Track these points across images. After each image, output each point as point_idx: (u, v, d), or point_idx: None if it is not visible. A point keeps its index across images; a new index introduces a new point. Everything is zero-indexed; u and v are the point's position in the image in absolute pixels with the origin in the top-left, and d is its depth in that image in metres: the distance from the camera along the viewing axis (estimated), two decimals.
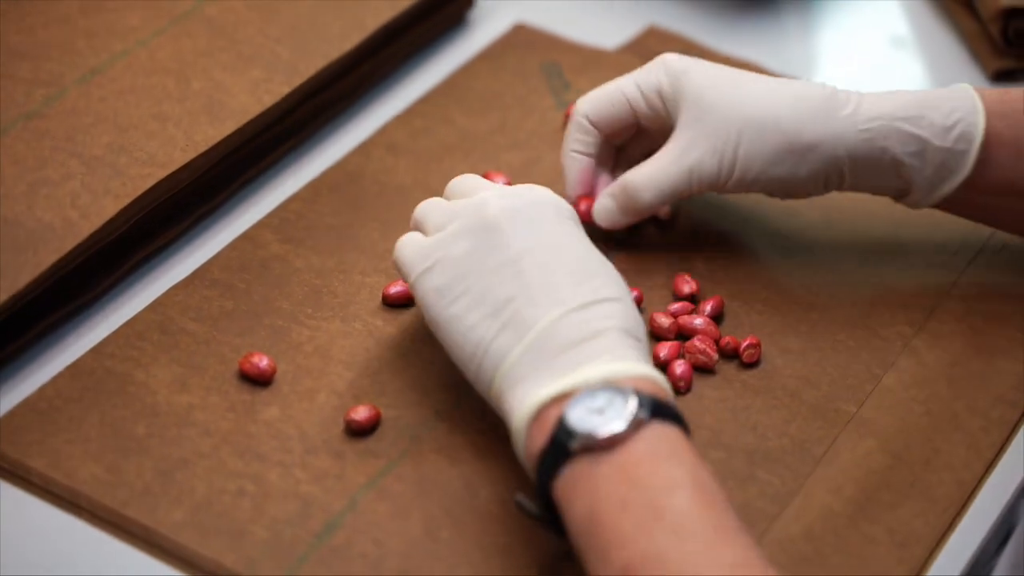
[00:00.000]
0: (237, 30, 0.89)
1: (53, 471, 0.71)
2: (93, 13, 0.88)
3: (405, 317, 0.79)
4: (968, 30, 0.99)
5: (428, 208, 0.75)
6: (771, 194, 0.81)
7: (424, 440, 0.74)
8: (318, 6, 0.91)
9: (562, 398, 0.67)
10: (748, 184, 0.79)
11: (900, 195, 0.80)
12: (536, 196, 0.73)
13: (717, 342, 0.79)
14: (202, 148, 0.82)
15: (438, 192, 0.86)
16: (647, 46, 0.96)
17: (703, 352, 0.77)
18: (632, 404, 0.65)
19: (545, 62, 0.95)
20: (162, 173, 0.80)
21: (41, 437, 0.72)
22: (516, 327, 0.69)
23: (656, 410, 0.65)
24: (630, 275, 0.82)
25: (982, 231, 0.84)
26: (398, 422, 0.74)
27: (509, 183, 0.86)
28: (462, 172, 0.87)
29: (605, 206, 0.82)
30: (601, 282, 0.70)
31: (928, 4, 1.02)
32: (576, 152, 0.83)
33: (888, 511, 0.73)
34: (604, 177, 0.84)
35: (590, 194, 0.83)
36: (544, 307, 0.69)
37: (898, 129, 0.78)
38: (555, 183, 0.87)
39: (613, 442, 0.64)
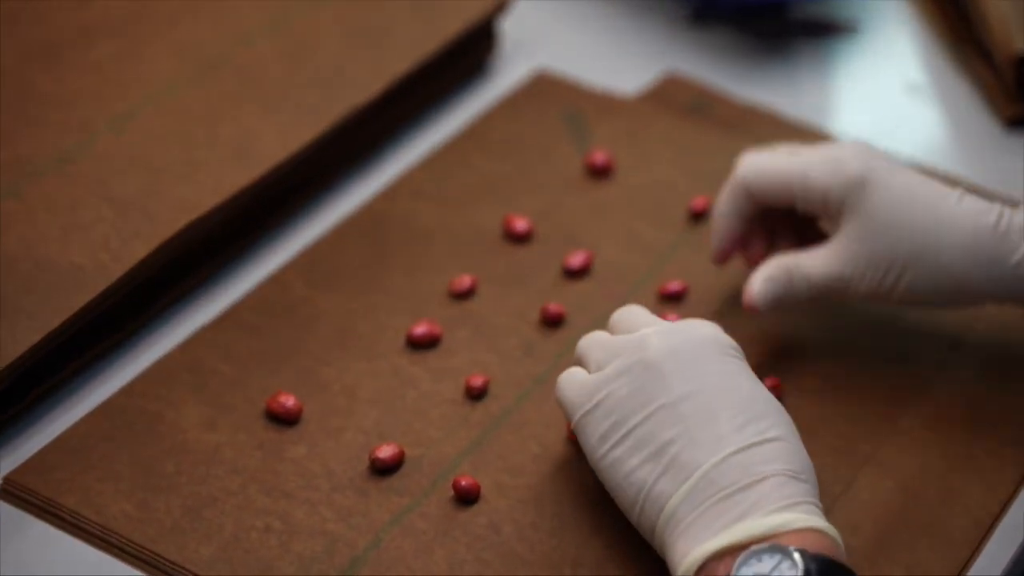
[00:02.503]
0: (264, 77, 0.90)
1: (84, 508, 0.72)
2: (124, 61, 0.90)
3: (429, 357, 0.81)
4: (983, 77, 1.00)
5: (590, 343, 0.74)
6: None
7: (447, 478, 0.75)
8: (343, 54, 0.93)
9: (726, 553, 0.66)
10: (906, 303, 0.79)
11: None
12: (698, 334, 0.72)
13: None
14: (230, 192, 0.84)
15: (460, 235, 0.88)
16: (667, 93, 0.98)
17: None
18: (799, 568, 0.64)
19: (565, 109, 0.96)
20: (191, 217, 0.82)
21: (72, 475, 0.73)
22: (676, 471, 0.68)
23: (824, 572, 0.64)
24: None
25: None
26: (422, 461, 0.76)
27: (531, 227, 0.88)
28: (484, 216, 0.89)
29: (767, 292, 0.79)
30: (767, 423, 0.69)
31: (943, 50, 1.03)
32: (728, 214, 0.81)
33: (906, 550, 0.73)
34: (755, 240, 0.83)
35: (731, 253, 0.83)
36: (705, 450, 0.68)
37: None
38: (575, 226, 0.88)
39: None
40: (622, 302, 0.84)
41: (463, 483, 0.74)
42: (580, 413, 0.72)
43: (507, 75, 0.99)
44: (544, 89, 0.97)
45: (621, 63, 1.01)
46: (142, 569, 0.71)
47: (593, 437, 0.71)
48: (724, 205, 0.82)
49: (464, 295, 0.84)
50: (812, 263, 0.79)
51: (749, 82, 0.99)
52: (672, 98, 0.98)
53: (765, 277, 0.80)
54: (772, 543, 0.65)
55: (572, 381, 0.73)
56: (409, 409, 0.78)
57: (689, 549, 0.67)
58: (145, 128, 0.86)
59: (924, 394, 0.80)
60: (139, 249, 0.80)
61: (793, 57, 1.02)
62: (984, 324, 0.84)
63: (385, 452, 0.75)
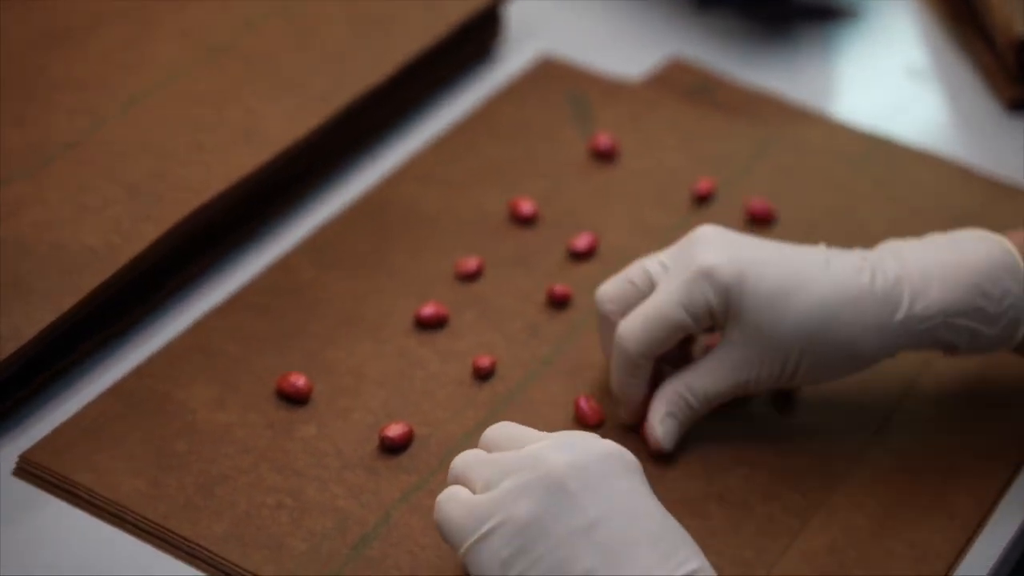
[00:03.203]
0: (271, 62, 0.91)
1: (98, 485, 0.73)
2: (133, 47, 0.90)
3: (436, 338, 0.81)
4: (984, 60, 1.00)
5: (471, 462, 0.68)
6: None
7: (454, 457, 0.75)
8: (349, 39, 0.93)
9: None
10: (808, 383, 0.77)
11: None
12: (600, 449, 0.66)
13: None
14: (238, 176, 0.84)
15: (466, 218, 0.88)
16: (671, 77, 0.99)
17: None
18: None
19: (570, 94, 0.97)
20: (200, 199, 0.82)
21: (86, 453, 0.74)
22: None
23: None
24: None
25: None
26: (429, 440, 0.76)
27: (536, 210, 0.88)
28: (490, 199, 0.90)
29: (671, 430, 0.76)
30: (684, 552, 0.65)
31: (944, 34, 1.04)
32: (632, 386, 0.76)
33: (909, 526, 0.74)
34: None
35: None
36: None
37: (951, 324, 0.75)
38: (581, 209, 0.89)
39: None
40: None
41: None
42: (472, 539, 0.65)
43: (512, 60, 0.99)
44: (549, 74, 0.98)
45: (625, 47, 1.01)
46: (155, 545, 0.72)
47: (491, 566, 0.64)
48: (625, 378, 0.76)
49: (470, 277, 0.85)
50: (704, 380, 0.76)
51: (752, 66, 1.00)
52: (676, 82, 0.98)
53: (665, 414, 0.76)
54: None
55: (455, 501, 0.66)
56: (417, 389, 0.79)
57: None
58: (154, 112, 0.87)
59: (927, 375, 0.81)
60: (150, 231, 0.81)
61: (796, 41, 1.03)
62: None
63: (394, 431, 0.76)
